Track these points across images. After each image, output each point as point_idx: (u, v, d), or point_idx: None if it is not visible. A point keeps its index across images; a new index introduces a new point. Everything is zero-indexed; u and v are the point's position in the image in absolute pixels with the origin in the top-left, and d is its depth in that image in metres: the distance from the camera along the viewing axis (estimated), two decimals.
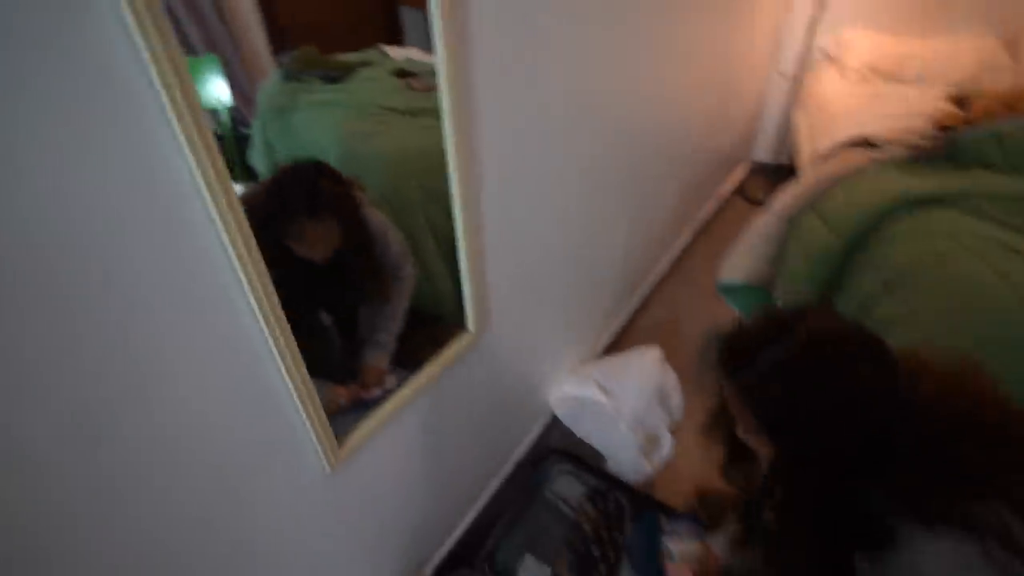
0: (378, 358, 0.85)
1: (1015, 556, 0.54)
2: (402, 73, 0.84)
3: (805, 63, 2.45)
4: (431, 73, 0.76)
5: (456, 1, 0.66)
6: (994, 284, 1.03)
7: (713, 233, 2.40)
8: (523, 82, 0.86)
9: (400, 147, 0.85)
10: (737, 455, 0.86)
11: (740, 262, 1.58)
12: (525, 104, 0.88)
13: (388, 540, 0.97)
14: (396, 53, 0.83)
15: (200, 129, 0.44)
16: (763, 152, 2.80)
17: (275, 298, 0.57)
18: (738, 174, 2.72)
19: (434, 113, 0.79)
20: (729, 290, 1.66)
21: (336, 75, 0.77)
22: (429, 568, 1.13)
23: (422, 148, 0.84)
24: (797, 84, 2.50)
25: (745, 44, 2.12)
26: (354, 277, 0.82)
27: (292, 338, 0.60)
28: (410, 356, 0.89)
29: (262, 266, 0.54)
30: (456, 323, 0.96)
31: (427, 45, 0.71)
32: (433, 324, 0.97)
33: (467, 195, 0.81)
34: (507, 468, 1.33)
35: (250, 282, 0.53)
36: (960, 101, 1.77)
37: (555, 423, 1.48)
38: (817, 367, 0.61)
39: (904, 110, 1.87)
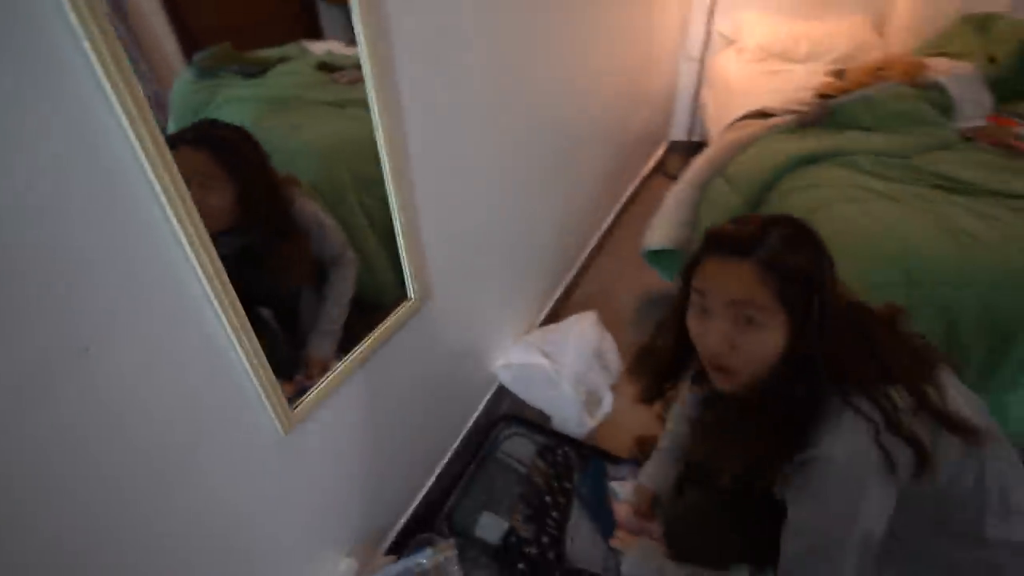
0: (322, 348, 0.86)
1: (900, 439, 0.65)
2: (325, 67, 0.84)
3: (708, 46, 2.65)
4: (355, 66, 0.79)
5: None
6: (865, 222, 1.20)
7: (637, 209, 2.55)
8: (443, 68, 0.91)
9: (329, 137, 0.86)
10: (658, 388, 0.94)
11: (660, 229, 1.70)
12: (446, 90, 0.93)
13: (349, 506, 0.99)
14: (316, 47, 0.83)
15: (131, 89, 0.46)
16: (679, 131, 2.99)
17: (217, 260, 0.58)
18: (658, 153, 2.90)
19: (361, 104, 0.81)
20: (653, 257, 1.78)
21: (254, 70, 0.76)
22: (391, 535, 1.16)
23: (352, 138, 0.86)
24: (703, 66, 2.69)
25: (655, 30, 2.27)
26: (280, 265, 0.82)
27: (236, 299, 0.62)
28: (354, 343, 0.90)
29: (202, 228, 0.56)
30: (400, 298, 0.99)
31: (347, 38, 0.75)
32: (376, 312, 0.97)
33: (398, 173, 0.85)
34: (460, 436, 1.37)
35: (191, 243, 0.55)
36: (838, 74, 1.99)
37: (503, 392, 1.54)
38: (816, 240, 0.70)
39: (793, 84, 2.08)
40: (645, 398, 0.95)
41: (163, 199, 0.52)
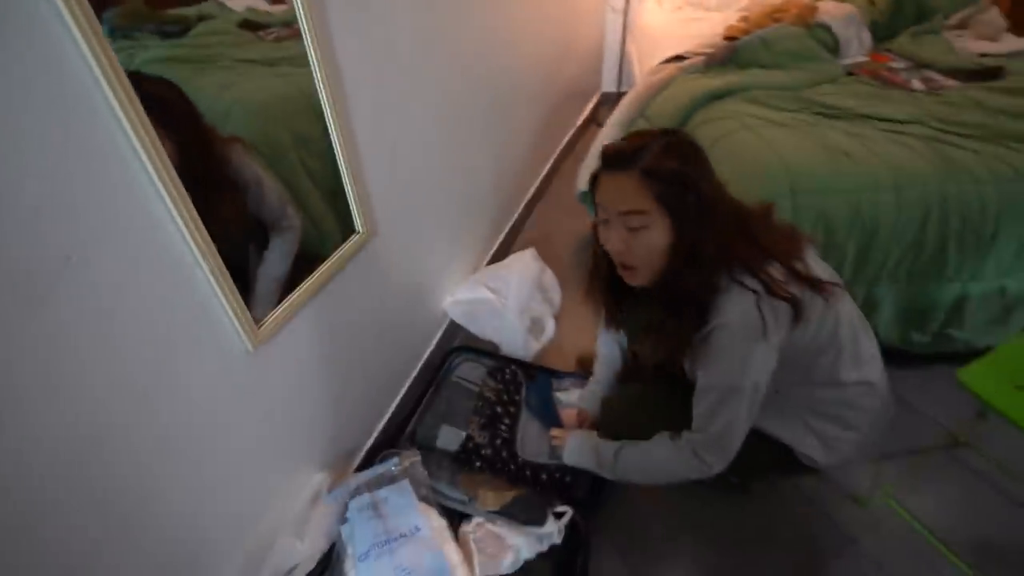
0: (264, 307, 0.87)
1: (778, 300, 0.81)
2: (248, 24, 0.83)
3: None
4: (282, 23, 0.82)
5: None
6: (758, 147, 1.37)
7: (573, 157, 2.68)
8: (375, 21, 0.97)
9: (262, 94, 0.87)
10: (615, 298, 1.05)
11: (590, 171, 1.83)
12: (380, 43, 1.00)
13: (318, 424, 1.09)
14: (236, 4, 0.82)
15: (84, 10, 0.52)
16: (610, 83, 3.11)
17: (179, 183, 0.65)
18: (590, 104, 3.01)
19: (292, 61, 0.85)
20: (585, 197, 1.91)
21: (173, 29, 0.73)
22: (360, 455, 1.27)
23: (285, 94, 0.89)
24: (627, 18, 2.80)
25: None
26: (217, 222, 0.77)
27: (200, 221, 0.69)
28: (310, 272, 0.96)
29: (163, 152, 0.62)
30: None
31: None
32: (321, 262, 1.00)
33: (339, 115, 0.92)
34: (418, 366, 1.49)
35: (155, 167, 0.61)
36: (745, 18, 2.15)
37: (455, 328, 1.66)
38: (694, 147, 0.81)
39: (708, 31, 2.22)
40: (608, 324, 1.10)
41: (127, 126, 0.58)
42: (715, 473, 0.91)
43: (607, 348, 1.26)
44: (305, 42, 0.84)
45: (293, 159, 0.93)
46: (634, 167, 0.78)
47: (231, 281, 0.77)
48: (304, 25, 0.82)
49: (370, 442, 1.30)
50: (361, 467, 1.25)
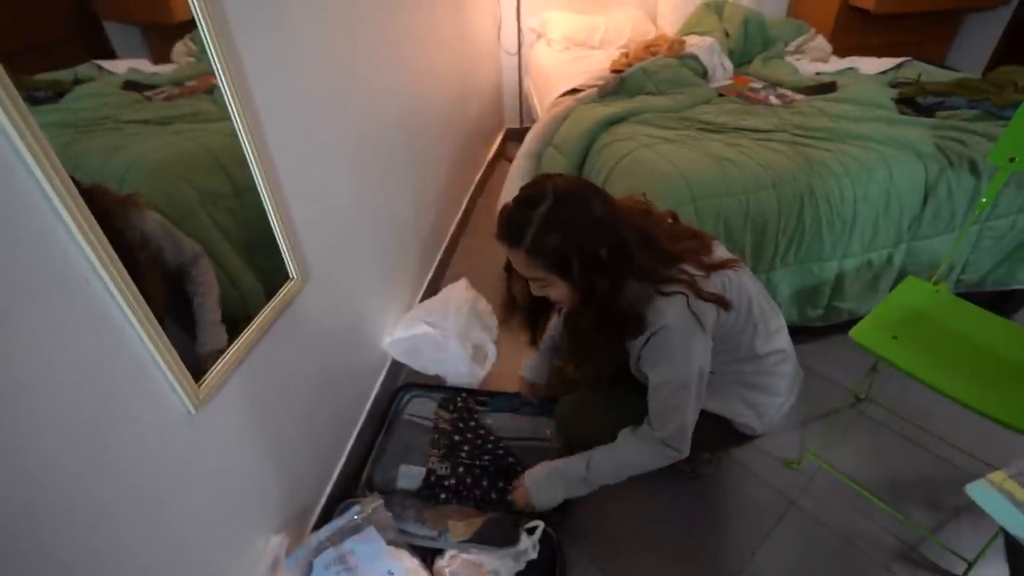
0: (214, 338, 0.87)
1: (707, 301, 0.91)
2: (133, 86, 0.81)
3: (522, 41, 2.97)
4: (170, 83, 0.82)
5: (216, 16, 0.78)
6: (658, 161, 1.53)
7: (487, 191, 2.79)
8: (288, 77, 1.00)
9: (160, 154, 0.84)
10: (532, 321, 1.14)
11: (508, 198, 1.92)
12: (297, 91, 1.03)
13: (269, 484, 1.03)
14: (117, 67, 0.79)
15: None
16: (512, 120, 3.29)
17: (104, 239, 0.62)
18: (497, 140, 3.17)
19: (188, 118, 0.84)
20: None
21: (44, 96, 0.69)
22: (316, 511, 1.20)
23: (186, 152, 0.87)
24: (521, 59, 3.01)
25: (473, 31, 2.51)
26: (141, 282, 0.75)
27: (128, 277, 0.66)
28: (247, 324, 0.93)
29: (87, 210, 0.60)
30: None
31: (153, 57, 0.78)
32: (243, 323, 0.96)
33: (263, 166, 0.93)
34: (365, 410, 1.45)
35: (77, 224, 0.59)
36: (626, 54, 2.41)
37: (398, 368, 1.64)
38: (574, 204, 0.86)
39: (595, 66, 2.45)
40: (531, 341, 1.17)
41: (45, 184, 0.56)
42: (685, 455, 1.01)
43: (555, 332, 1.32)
44: (224, 93, 0.85)
45: (202, 217, 0.90)
46: (520, 246, 0.86)
47: (166, 338, 0.74)
48: (222, 79, 0.83)
49: (325, 495, 1.24)
50: (319, 523, 1.18)
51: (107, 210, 0.71)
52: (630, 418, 1.06)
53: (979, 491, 0.50)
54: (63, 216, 0.59)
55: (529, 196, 0.88)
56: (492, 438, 1.34)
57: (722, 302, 0.92)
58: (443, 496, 1.20)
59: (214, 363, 0.86)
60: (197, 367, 0.82)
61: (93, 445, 0.65)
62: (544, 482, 1.13)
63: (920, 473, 1.38)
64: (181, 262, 0.84)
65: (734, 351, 1.02)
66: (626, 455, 1.04)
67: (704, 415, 1.05)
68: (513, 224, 0.87)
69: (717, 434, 1.10)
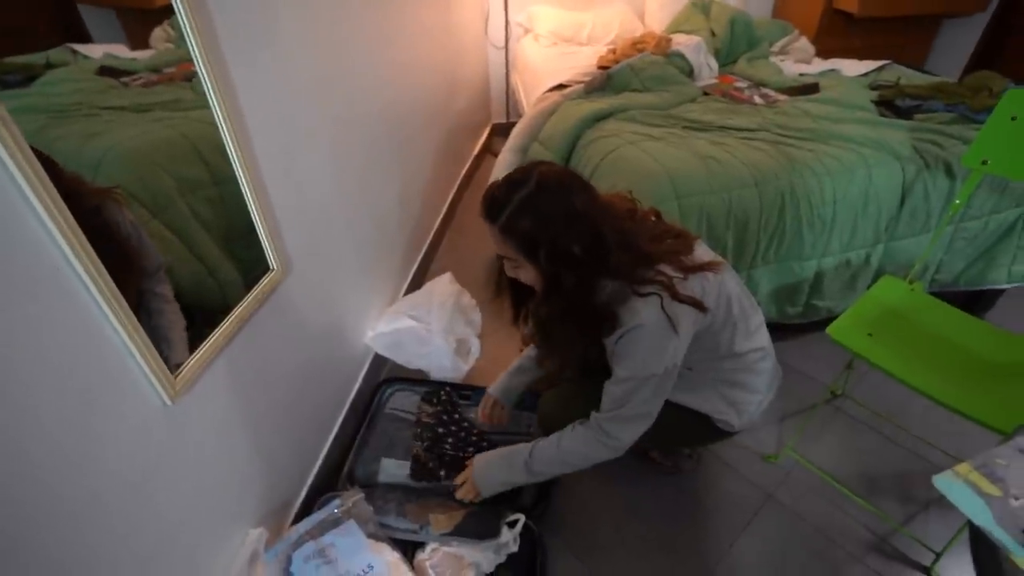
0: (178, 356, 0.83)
1: (682, 302, 0.91)
2: (108, 71, 0.79)
3: (510, 35, 2.95)
4: (148, 68, 0.79)
5: (195, 3, 0.76)
6: (643, 158, 1.54)
7: (473, 185, 2.78)
8: (270, 64, 0.97)
9: (137, 142, 0.82)
10: (517, 301, 1.11)
11: None
12: (276, 84, 1.00)
13: (249, 476, 1.02)
14: (92, 51, 0.77)
15: None
16: (499, 115, 3.28)
17: (76, 226, 0.60)
18: (483, 135, 3.15)
19: (166, 106, 0.82)
20: None
21: (15, 79, 0.67)
22: (296, 504, 1.19)
23: (164, 139, 0.84)
24: (508, 54, 2.99)
25: (460, 25, 2.49)
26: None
27: (103, 268, 0.64)
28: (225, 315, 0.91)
29: (56, 195, 0.58)
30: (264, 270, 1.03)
31: (130, 41, 0.76)
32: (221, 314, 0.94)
33: (243, 155, 0.91)
34: (346, 405, 1.44)
35: (48, 210, 0.57)
36: (614, 50, 2.41)
37: (381, 362, 1.63)
38: (553, 195, 0.86)
39: (582, 62, 2.45)
40: (512, 320, 1.14)
41: (13, 168, 0.54)
42: (624, 448, 1.01)
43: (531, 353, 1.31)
44: (203, 82, 0.82)
45: (181, 207, 0.88)
46: (496, 223, 0.88)
47: (140, 328, 0.72)
48: (201, 67, 0.81)
49: (306, 489, 1.23)
50: (300, 516, 1.17)
51: (81, 198, 0.69)
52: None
53: (945, 483, 0.51)
54: (32, 202, 0.57)
55: (514, 178, 0.89)
56: (475, 431, 1.34)
57: (698, 305, 0.93)
58: (433, 481, 1.19)
59: (191, 355, 0.84)
60: (173, 356, 0.80)
61: (71, 438, 0.64)
62: (486, 468, 1.12)
63: (893, 467, 1.41)
64: (151, 256, 0.81)
65: (714, 349, 1.03)
66: (567, 445, 1.03)
67: (684, 411, 1.06)
68: (494, 201, 0.89)
69: (696, 430, 1.11)
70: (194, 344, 0.86)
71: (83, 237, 0.62)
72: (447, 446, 1.28)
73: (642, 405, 0.97)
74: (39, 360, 0.59)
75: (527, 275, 0.94)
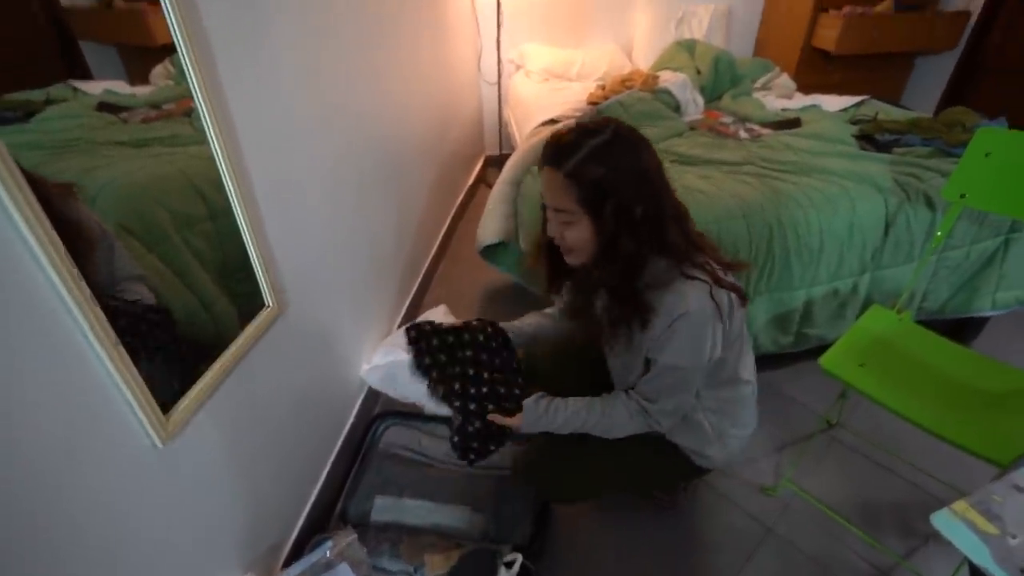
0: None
1: (726, 290, 0.90)
2: (107, 107, 0.80)
3: (502, 71, 3.04)
4: (147, 104, 0.81)
5: (197, 42, 0.78)
6: None
7: (468, 217, 2.81)
8: (269, 99, 1.00)
9: (134, 177, 0.82)
10: (556, 267, 1.04)
11: (489, 226, 1.94)
12: (274, 119, 1.02)
13: (239, 519, 0.99)
14: (91, 88, 0.77)
15: None
16: (492, 147, 3.35)
17: (69, 261, 0.60)
18: (477, 167, 3.21)
19: (165, 141, 0.83)
20: (488, 253, 2.01)
21: (14, 115, 0.68)
22: (287, 547, 1.16)
23: (162, 175, 0.85)
24: (500, 89, 3.08)
25: (455, 61, 2.57)
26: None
27: (96, 303, 0.64)
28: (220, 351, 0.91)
29: (43, 217, 0.58)
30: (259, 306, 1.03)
31: (130, 77, 0.77)
32: (216, 350, 0.94)
33: (242, 191, 0.92)
34: (339, 441, 1.41)
35: (34, 233, 0.57)
36: (603, 86, 2.49)
37: (373, 397, 1.62)
38: (629, 148, 0.84)
39: (572, 97, 2.53)
40: (550, 289, 1.11)
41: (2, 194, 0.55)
42: (666, 431, 1.02)
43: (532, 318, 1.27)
44: (203, 118, 0.84)
45: (176, 241, 0.88)
46: (561, 168, 0.83)
47: (133, 368, 0.71)
48: (201, 104, 0.83)
49: (296, 530, 1.20)
50: (290, 560, 1.14)
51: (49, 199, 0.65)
52: (614, 462, 1.06)
53: (943, 521, 0.52)
54: (19, 226, 0.57)
55: (589, 126, 0.86)
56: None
57: (740, 293, 0.91)
58: (457, 404, 1.09)
59: (183, 394, 0.83)
60: (163, 401, 0.78)
61: (48, 477, 0.62)
62: (535, 414, 1.06)
63: (892, 498, 1.40)
64: (123, 268, 0.79)
65: (719, 369, 1.01)
66: (616, 420, 1.02)
67: (663, 453, 1.06)
68: (563, 146, 0.84)
69: (675, 471, 1.11)
70: (187, 382, 0.85)
71: (76, 271, 0.61)
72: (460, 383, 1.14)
73: (685, 395, 0.96)
74: (20, 396, 0.58)
75: (576, 234, 0.87)
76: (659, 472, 1.09)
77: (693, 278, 0.88)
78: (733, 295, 0.91)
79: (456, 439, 1.09)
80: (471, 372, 1.13)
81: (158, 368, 0.80)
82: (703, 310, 0.87)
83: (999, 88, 2.86)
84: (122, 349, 0.69)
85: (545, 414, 1.06)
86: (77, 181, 0.74)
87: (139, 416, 0.73)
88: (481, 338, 1.18)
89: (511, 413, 1.08)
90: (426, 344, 1.20)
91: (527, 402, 1.07)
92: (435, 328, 1.21)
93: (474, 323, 1.23)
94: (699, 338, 0.90)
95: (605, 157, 0.82)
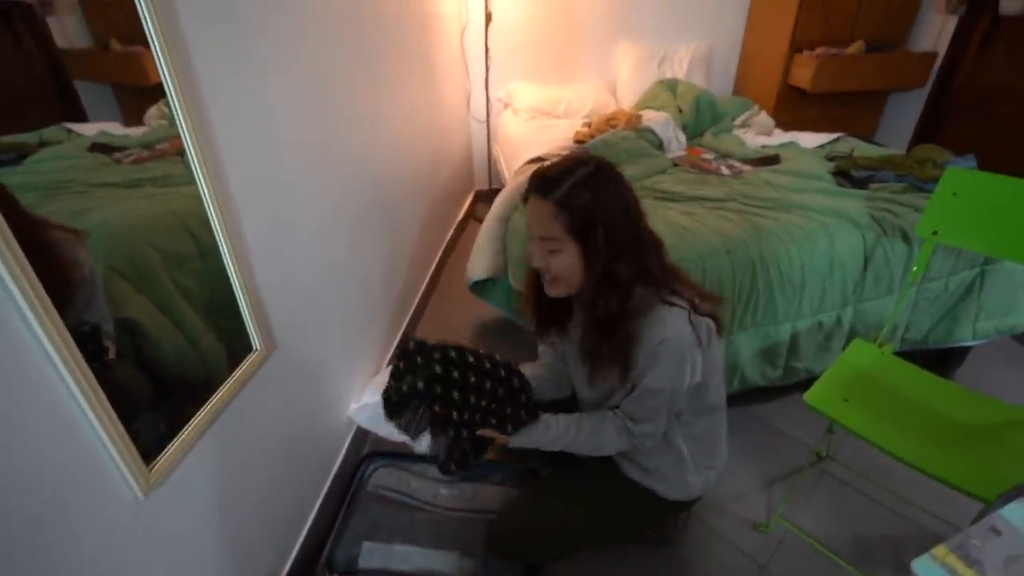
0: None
1: (703, 317, 0.92)
2: (101, 148, 0.80)
3: (490, 109, 3.13)
4: (140, 145, 0.82)
5: (186, 82, 0.80)
6: None
7: (458, 252, 2.84)
8: (258, 140, 1.02)
9: (126, 218, 0.83)
10: (544, 318, 1.09)
11: (478, 262, 1.96)
12: (267, 159, 1.05)
13: (223, 570, 0.97)
14: (85, 129, 0.78)
15: None
16: (481, 182, 3.41)
17: (47, 300, 0.60)
18: (467, 202, 3.26)
19: (158, 181, 0.83)
20: (478, 288, 2.03)
21: (8, 157, 0.69)
22: None
23: (153, 216, 0.86)
24: (489, 126, 3.16)
25: (445, 99, 2.64)
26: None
27: (76, 349, 0.64)
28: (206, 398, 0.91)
29: (21, 255, 0.58)
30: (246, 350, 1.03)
31: (125, 118, 0.78)
32: (205, 391, 0.94)
33: (228, 231, 0.93)
34: (327, 484, 1.39)
35: (18, 284, 0.57)
36: (588, 124, 2.56)
37: (363, 435, 1.60)
38: (610, 180, 0.88)
39: (559, 135, 2.60)
40: (539, 332, 1.13)
41: None
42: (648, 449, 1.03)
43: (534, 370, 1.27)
44: (190, 158, 0.84)
45: (165, 281, 0.88)
46: (549, 196, 0.86)
47: (115, 416, 0.70)
48: (189, 144, 0.83)
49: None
50: None
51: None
52: (586, 515, 1.06)
53: (923, 567, 0.52)
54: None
55: (572, 159, 0.90)
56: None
57: (716, 321, 0.94)
58: (452, 433, 1.03)
59: (170, 438, 0.82)
60: (144, 450, 0.77)
61: (21, 532, 0.61)
62: (525, 428, 1.06)
63: (883, 532, 1.40)
64: (99, 310, 0.77)
65: (703, 396, 1.02)
66: (604, 444, 1.03)
67: (635, 497, 1.07)
68: (550, 176, 0.87)
69: (650, 512, 1.12)
70: (174, 425, 0.84)
71: (59, 319, 0.61)
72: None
73: (667, 416, 0.98)
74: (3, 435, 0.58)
75: (564, 261, 0.89)
76: (634, 517, 1.08)
77: (672, 304, 0.91)
78: (711, 322, 0.94)
79: (438, 455, 1.07)
80: (472, 399, 1.05)
81: (142, 416, 0.80)
82: (683, 335, 0.90)
83: (967, 123, 2.99)
84: (103, 396, 0.68)
85: (535, 428, 1.05)
86: (67, 223, 0.73)
87: (121, 468, 0.72)
88: (488, 364, 1.12)
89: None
90: (408, 366, 1.10)
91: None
92: (433, 346, 1.13)
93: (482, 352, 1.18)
94: (680, 363, 0.91)
95: (591, 185, 0.86)
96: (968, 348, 1.85)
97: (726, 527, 1.41)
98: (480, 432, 1.05)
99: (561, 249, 0.88)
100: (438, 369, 1.04)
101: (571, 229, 0.86)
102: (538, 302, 1.05)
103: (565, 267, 0.90)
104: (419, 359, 1.08)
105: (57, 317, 0.61)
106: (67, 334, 0.63)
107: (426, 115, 2.35)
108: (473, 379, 1.07)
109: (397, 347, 1.19)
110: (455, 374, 1.05)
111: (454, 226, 2.95)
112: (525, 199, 0.93)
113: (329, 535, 1.26)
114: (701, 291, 0.98)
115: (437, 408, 1.02)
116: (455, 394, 1.03)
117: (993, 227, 1.24)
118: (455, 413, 1.03)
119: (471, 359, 1.10)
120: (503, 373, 1.11)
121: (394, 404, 1.05)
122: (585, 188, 0.85)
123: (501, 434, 1.06)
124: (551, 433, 1.05)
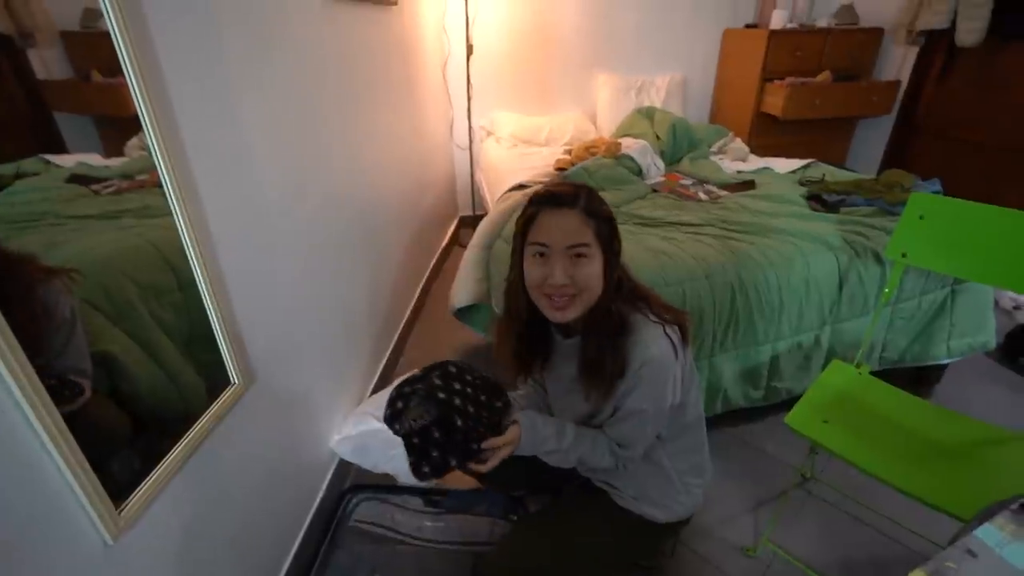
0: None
1: (674, 327, 0.93)
2: (79, 179, 0.80)
3: (473, 137, 3.18)
4: (120, 175, 0.81)
5: (162, 113, 0.81)
6: None
7: (441, 278, 2.84)
8: (237, 173, 1.02)
9: (101, 250, 0.82)
10: (523, 359, 1.07)
11: (462, 289, 1.97)
12: (247, 190, 1.05)
13: None
14: (64, 160, 0.77)
15: None
16: (465, 208, 3.44)
17: (14, 341, 0.59)
18: (451, 228, 3.28)
19: (135, 212, 0.83)
20: (462, 314, 2.02)
21: None
22: None
23: (131, 247, 0.85)
24: (472, 154, 3.21)
25: (428, 127, 2.68)
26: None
27: (42, 388, 0.62)
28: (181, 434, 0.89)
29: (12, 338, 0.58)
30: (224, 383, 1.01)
31: (105, 149, 0.78)
32: (183, 423, 0.92)
33: (207, 266, 0.92)
34: (308, 519, 1.35)
35: None
36: (569, 152, 2.62)
37: (346, 468, 1.57)
38: (603, 203, 0.92)
39: (541, 162, 2.64)
40: (517, 375, 1.11)
41: None
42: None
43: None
44: (167, 190, 0.84)
45: (142, 313, 0.87)
46: (576, 206, 0.88)
47: (85, 461, 0.68)
48: (165, 175, 0.83)
49: None
50: None
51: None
52: (576, 548, 1.04)
53: None
54: None
55: (565, 183, 0.94)
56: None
57: (683, 328, 0.95)
58: (435, 454, 0.98)
59: (143, 476, 0.80)
60: (117, 488, 0.75)
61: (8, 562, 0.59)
62: (531, 426, 1.01)
63: (870, 553, 1.40)
64: (78, 353, 0.75)
65: (683, 413, 1.03)
66: (596, 456, 1.01)
67: (626, 525, 1.06)
68: (566, 192, 0.89)
69: (643, 538, 1.10)
70: (147, 462, 0.82)
71: (27, 363, 0.60)
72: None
73: (649, 438, 0.99)
74: None
75: (591, 269, 0.88)
76: (628, 545, 1.07)
77: (647, 317, 0.93)
78: (677, 328, 0.95)
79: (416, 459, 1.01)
80: (471, 409, 1.01)
81: (115, 454, 0.78)
82: (664, 353, 0.91)
83: (932, 148, 3.11)
84: (69, 436, 0.66)
85: (544, 429, 1.01)
86: (41, 255, 0.72)
87: (89, 512, 0.70)
88: (480, 386, 1.07)
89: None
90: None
91: (523, 420, 1.02)
92: (431, 367, 1.11)
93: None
94: (663, 382, 0.93)
95: (600, 201, 0.91)
96: (944, 366, 1.89)
97: (714, 552, 1.40)
98: (486, 444, 0.99)
99: (589, 255, 0.88)
100: (439, 382, 1.04)
101: (599, 236, 0.88)
102: (519, 340, 1.04)
103: (592, 276, 0.89)
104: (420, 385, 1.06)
105: (25, 360, 0.60)
106: (36, 378, 0.61)
107: (409, 143, 2.38)
108: (470, 390, 1.05)
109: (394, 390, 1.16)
110: (456, 385, 1.04)
111: (438, 252, 2.96)
112: (531, 219, 0.91)
113: (311, 571, 1.22)
114: (666, 305, 0.99)
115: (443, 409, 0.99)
116: (456, 400, 1.01)
117: (957, 249, 1.29)
118: (458, 416, 0.99)
119: (468, 377, 1.09)
120: (483, 397, 1.07)
121: (398, 407, 1.05)
122: (599, 201, 0.90)
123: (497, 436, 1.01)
124: (549, 429, 1.01)
